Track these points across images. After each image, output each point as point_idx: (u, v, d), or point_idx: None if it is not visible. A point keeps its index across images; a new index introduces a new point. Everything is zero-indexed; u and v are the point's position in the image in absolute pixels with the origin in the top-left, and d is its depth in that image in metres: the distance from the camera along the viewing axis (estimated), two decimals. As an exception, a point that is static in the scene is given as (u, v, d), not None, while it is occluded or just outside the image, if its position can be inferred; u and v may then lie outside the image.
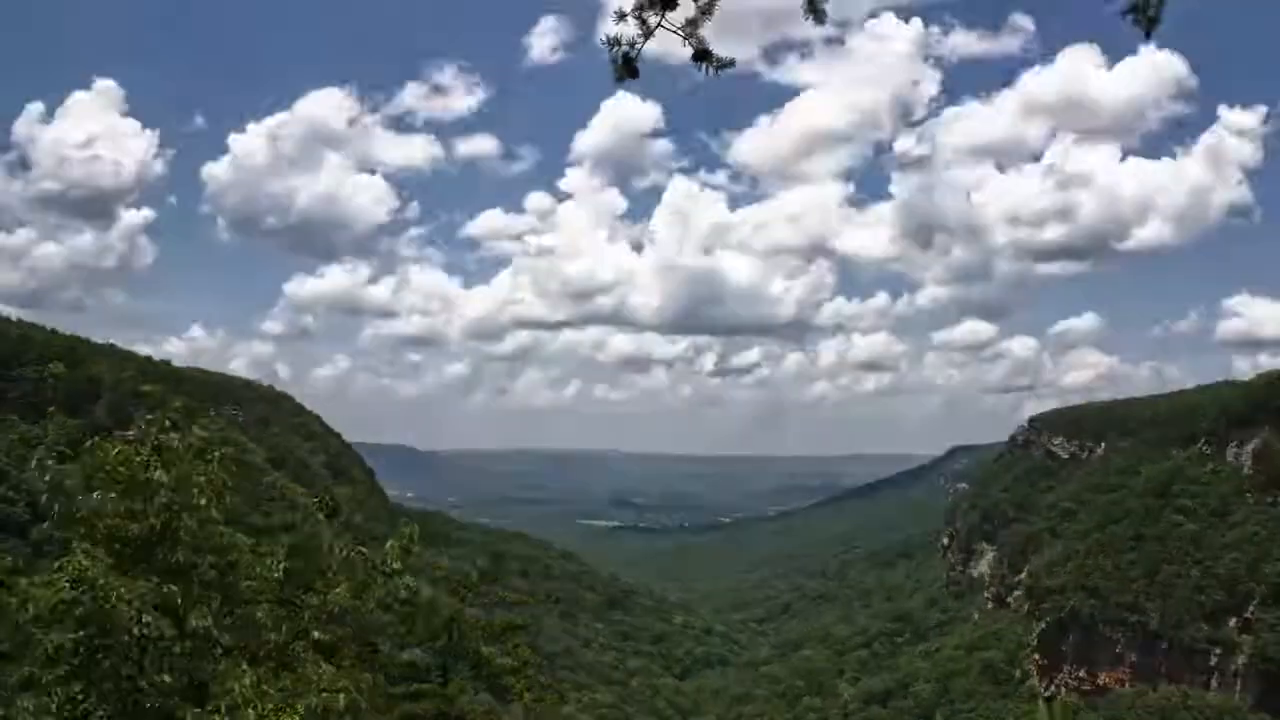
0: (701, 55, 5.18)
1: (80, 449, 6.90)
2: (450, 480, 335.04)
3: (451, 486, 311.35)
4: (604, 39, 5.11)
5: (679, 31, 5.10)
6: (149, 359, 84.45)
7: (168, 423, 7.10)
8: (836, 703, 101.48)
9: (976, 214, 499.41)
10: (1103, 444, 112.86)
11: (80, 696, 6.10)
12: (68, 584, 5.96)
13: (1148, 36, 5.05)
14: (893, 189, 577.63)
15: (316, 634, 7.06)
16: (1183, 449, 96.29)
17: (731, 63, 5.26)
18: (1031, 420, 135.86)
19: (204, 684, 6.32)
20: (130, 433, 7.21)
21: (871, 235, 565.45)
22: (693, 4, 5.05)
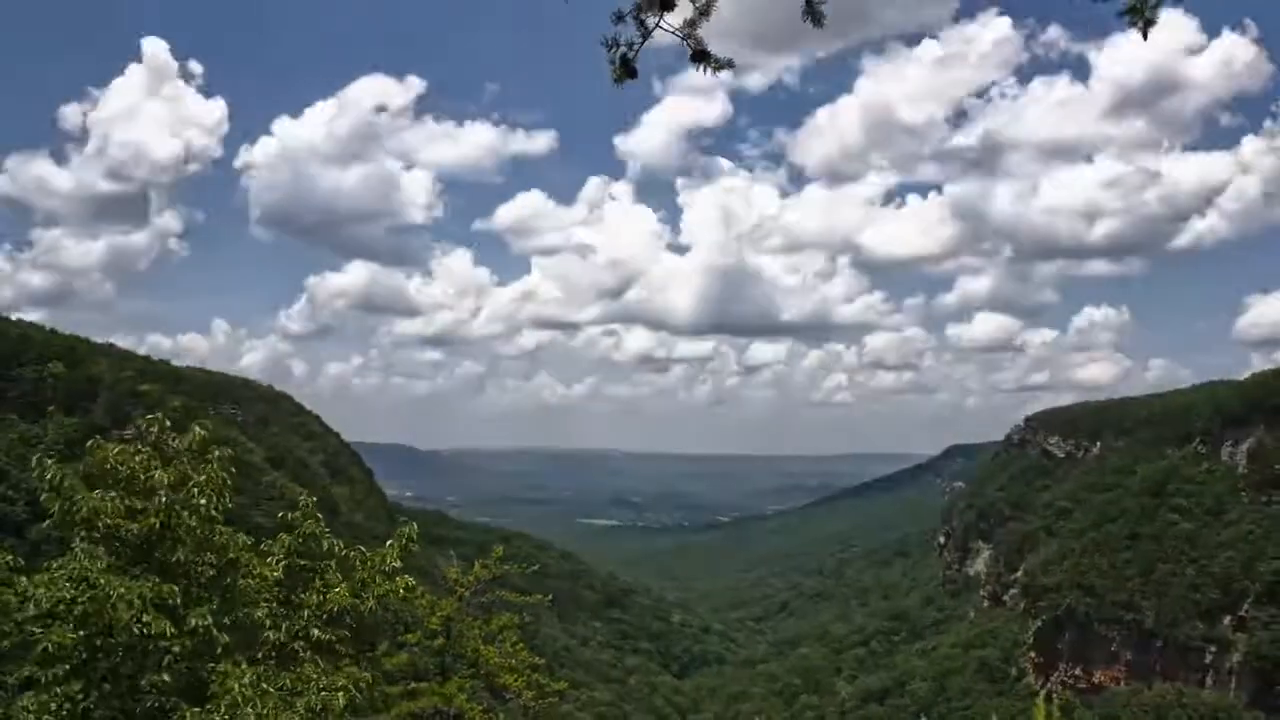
0: (700, 56, 5.18)
1: (79, 448, 6.90)
2: (451, 480, 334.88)
3: (452, 486, 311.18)
4: (602, 40, 5.12)
5: (677, 32, 5.10)
6: (148, 359, 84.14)
7: (167, 422, 7.11)
8: (834, 701, 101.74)
9: (1024, 212, 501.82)
10: (1098, 443, 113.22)
11: (80, 696, 6.11)
12: (68, 583, 5.97)
13: (1145, 38, 5.08)
14: (945, 187, 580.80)
15: (316, 632, 7.08)
16: (1178, 448, 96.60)
17: (730, 63, 5.26)
18: (1028, 419, 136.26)
19: (204, 683, 6.33)
20: (128, 432, 7.21)
21: (912, 232, 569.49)
22: (691, 5, 5.05)
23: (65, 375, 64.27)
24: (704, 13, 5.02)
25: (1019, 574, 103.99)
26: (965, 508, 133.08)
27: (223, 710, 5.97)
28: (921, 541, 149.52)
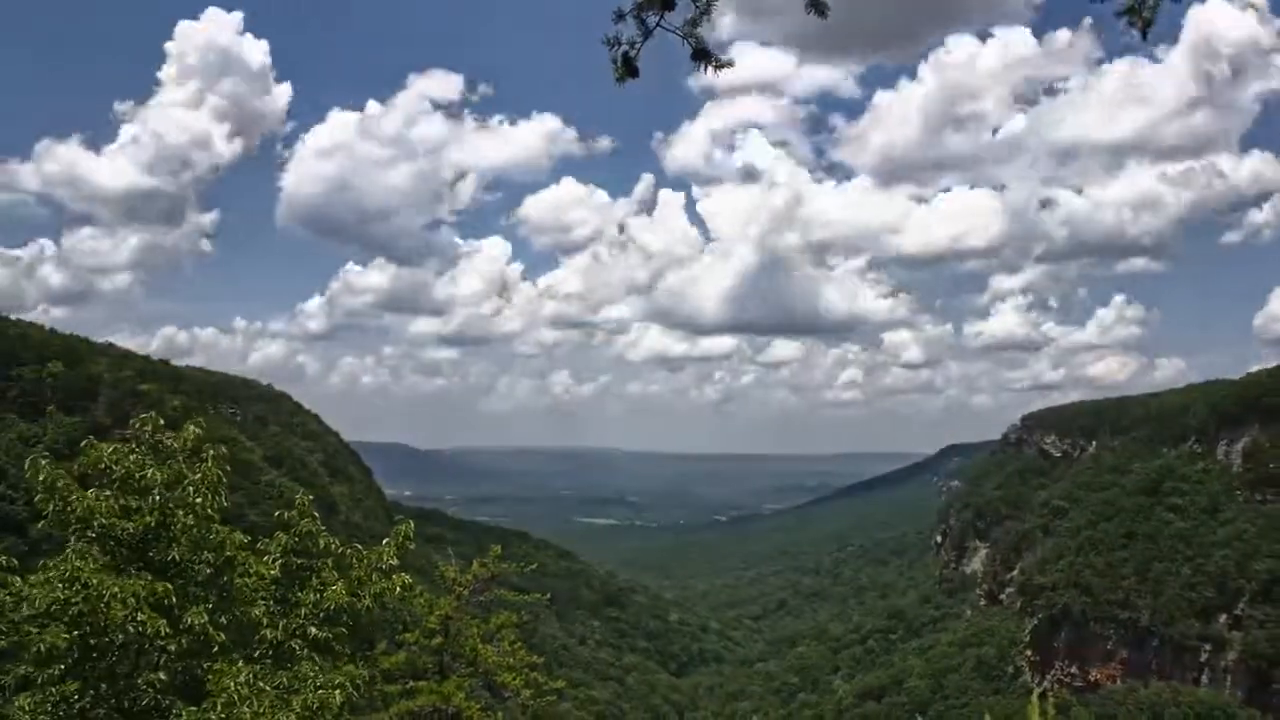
0: (700, 55, 5.15)
1: (78, 447, 6.89)
2: (450, 479, 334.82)
3: (451, 485, 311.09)
4: (604, 39, 5.09)
5: (678, 31, 5.08)
6: (147, 358, 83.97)
7: (161, 421, 7.09)
8: (831, 699, 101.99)
9: (1067, 210, 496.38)
10: (1094, 442, 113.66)
11: (76, 695, 6.11)
12: (60, 583, 5.95)
13: (1144, 38, 5.05)
14: (987, 184, 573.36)
15: (313, 631, 7.07)
16: (1173, 447, 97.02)
17: (730, 63, 5.23)
18: (1024, 419, 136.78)
19: (200, 681, 6.32)
20: (128, 431, 7.19)
21: (948, 230, 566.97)
22: (691, 4, 5.02)
23: (65, 375, 64.20)
24: (705, 11, 4.99)
25: (1015, 572, 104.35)
26: (962, 507, 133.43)
27: (219, 709, 5.95)
28: (918, 540, 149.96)
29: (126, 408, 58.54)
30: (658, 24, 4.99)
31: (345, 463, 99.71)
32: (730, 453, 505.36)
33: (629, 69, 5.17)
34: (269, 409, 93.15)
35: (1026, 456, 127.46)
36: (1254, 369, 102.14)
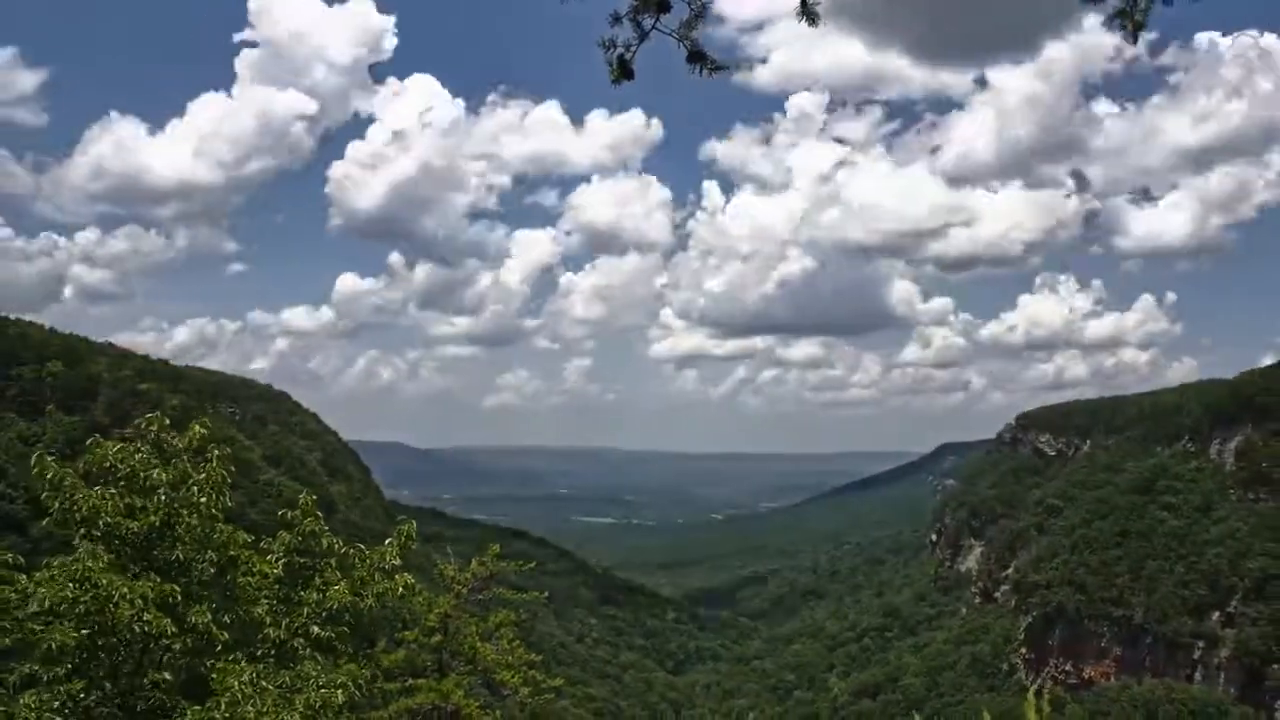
0: (696, 57, 5.21)
1: (80, 447, 6.92)
2: (449, 478, 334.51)
3: (449, 484, 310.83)
4: (599, 42, 5.14)
5: (674, 34, 5.13)
6: (146, 358, 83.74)
7: (167, 420, 7.13)
8: (827, 697, 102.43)
9: (1136, 210, 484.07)
10: (1088, 441, 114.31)
11: (82, 694, 6.14)
12: (70, 583, 5.99)
13: (1134, 42, 5.14)
14: (1057, 184, 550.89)
15: (316, 630, 7.13)
16: (1167, 446, 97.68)
17: (725, 66, 5.29)
18: (1018, 418, 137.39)
19: (204, 680, 6.37)
20: (128, 430, 7.23)
21: (1000, 229, 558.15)
22: (687, 7, 5.08)
23: (64, 374, 64.03)
24: (700, 15, 5.06)
25: (1010, 571, 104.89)
26: (957, 505, 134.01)
27: (223, 708, 6.00)
28: (914, 539, 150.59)
29: (126, 407, 58.40)
30: (653, 27, 5.04)
31: (344, 462, 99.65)
32: (727, 451, 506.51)
33: (624, 71, 5.23)
34: (268, 408, 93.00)
35: (1021, 455, 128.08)
36: (1248, 369, 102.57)
